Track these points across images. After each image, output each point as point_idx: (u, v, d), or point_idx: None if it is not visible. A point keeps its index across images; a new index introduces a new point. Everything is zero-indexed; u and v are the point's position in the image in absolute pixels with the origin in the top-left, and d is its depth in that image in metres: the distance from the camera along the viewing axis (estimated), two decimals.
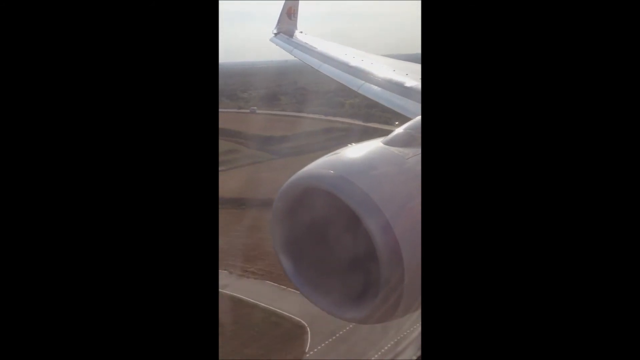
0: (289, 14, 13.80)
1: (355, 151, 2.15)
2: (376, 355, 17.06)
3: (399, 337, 17.27)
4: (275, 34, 13.14)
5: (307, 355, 18.21)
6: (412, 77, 5.74)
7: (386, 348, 17.12)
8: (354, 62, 7.65)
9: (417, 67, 6.45)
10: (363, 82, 6.67)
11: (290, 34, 12.78)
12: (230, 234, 25.25)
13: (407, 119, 3.01)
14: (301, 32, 12.91)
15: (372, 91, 6.31)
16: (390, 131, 2.34)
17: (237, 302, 21.62)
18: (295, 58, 10.52)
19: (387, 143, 2.21)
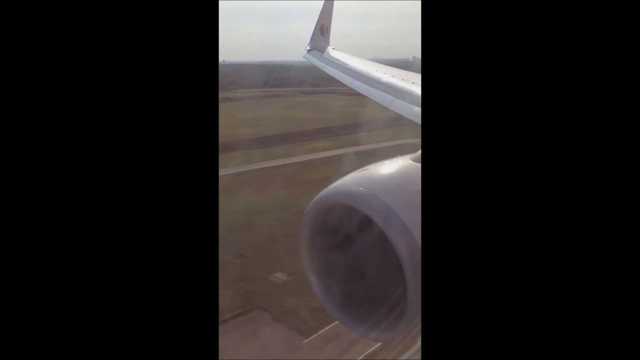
0: (322, 31, 14.04)
1: (384, 168, 2.16)
2: None
3: None
4: (308, 51, 13.38)
5: None
6: None
7: None
8: (385, 78, 7.68)
9: None
10: (393, 98, 6.68)
11: (322, 50, 12.98)
12: None
13: None
14: (333, 48, 13.09)
15: (402, 107, 6.30)
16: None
17: None
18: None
19: (415, 160, 2.20)
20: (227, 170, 27.22)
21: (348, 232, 2.09)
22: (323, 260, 2.16)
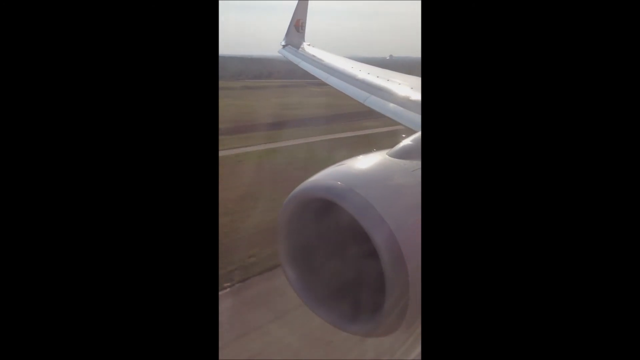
0: (297, 27, 14.01)
1: (362, 163, 2.17)
2: None
3: None
4: (284, 46, 13.32)
5: None
6: (417, 90, 5.80)
7: None
8: (360, 75, 7.73)
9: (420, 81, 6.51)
10: (369, 94, 6.74)
11: (297, 46, 12.95)
12: None
13: (411, 131, 3.03)
14: (309, 44, 13.09)
15: (377, 103, 6.37)
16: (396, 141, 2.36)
17: None
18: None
19: (392, 155, 2.22)
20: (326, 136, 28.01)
21: (325, 226, 2.09)
22: (300, 254, 2.15)
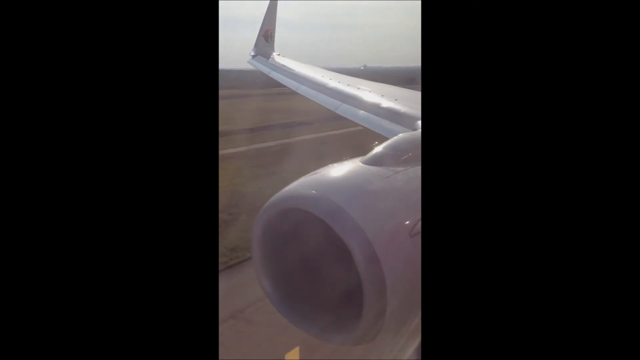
0: (266, 37, 14.01)
1: (336, 171, 2.17)
2: None
3: None
4: (253, 56, 13.29)
5: None
6: (387, 98, 5.88)
7: None
8: (331, 83, 7.79)
9: (394, 89, 6.63)
10: (340, 103, 6.80)
11: (267, 56, 12.95)
12: None
13: (384, 138, 3.06)
14: (278, 54, 13.11)
15: (349, 111, 6.43)
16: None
17: None
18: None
19: (365, 162, 2.23)
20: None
21: (301, 236, 2.07)
22: (276, 266, 2.12)
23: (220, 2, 1.76)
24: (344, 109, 6.61)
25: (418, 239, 1.94)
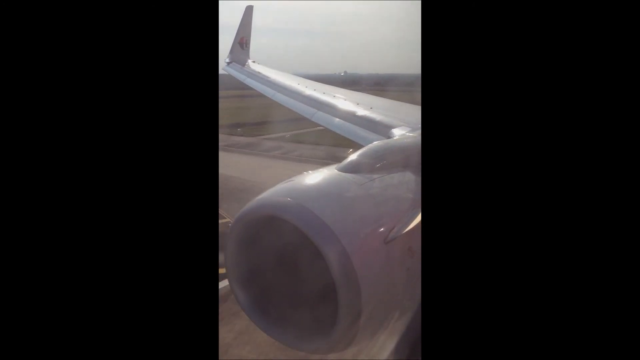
0: (241, 44, 13.95)
1: (311, 178, 2.16)
2: None
3: None
4: (228, 63, 13.21)
5: None
6: (362, 106, 5.95)
7: None
8: (307, 91, 7.81)
9: (368, 98, 6.71)
10: (316, 110, 6.82)
11: (242, 63, 12.89)
12: None
13: (359, 146, 3.08)
14: (254, 61, 13.07)
15: (324, 119, 6.46)
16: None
17: None
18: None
19: (341, 170, 2.24)
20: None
21: (276, 244, 2.05)
22: (250, 275, 2.09)
23: (220, 2, 1.76)
24: (319, 117, 6.64)
25: (393, 246, 1.95)
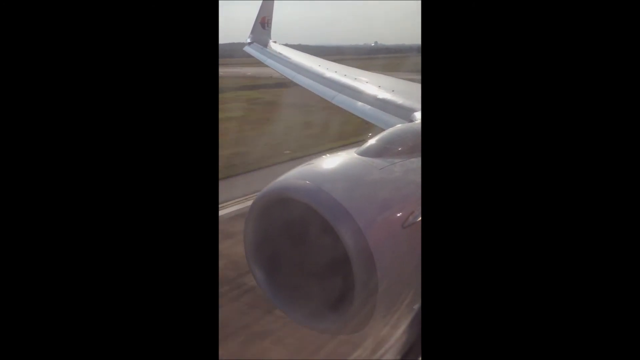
0: (263, 24, 13.86)
1: (330, 162, 2.16)
2: None
3: None
4: (249, 43, 13.17)
5: None
6: (384, 89, 5.87)
7: None
8: (328, 73, 7.75)
9: (391, 81, 6.61)
10: (337, 93, 6.77)
11: (264, 43, 12.83)
12: None
13: (379, 129, 3.06)
14: (274, 42, 12.99)
15: (345, 102, 6.41)
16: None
17: None
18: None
19: (360, 154, 2.23)
20: None
21: (294, 226, 2.07)
22: (268, 254, 2.13)
23: (220, 2, 1.75)
24: (340, 99, 6.59)
25: (411, 230, 1.95)
